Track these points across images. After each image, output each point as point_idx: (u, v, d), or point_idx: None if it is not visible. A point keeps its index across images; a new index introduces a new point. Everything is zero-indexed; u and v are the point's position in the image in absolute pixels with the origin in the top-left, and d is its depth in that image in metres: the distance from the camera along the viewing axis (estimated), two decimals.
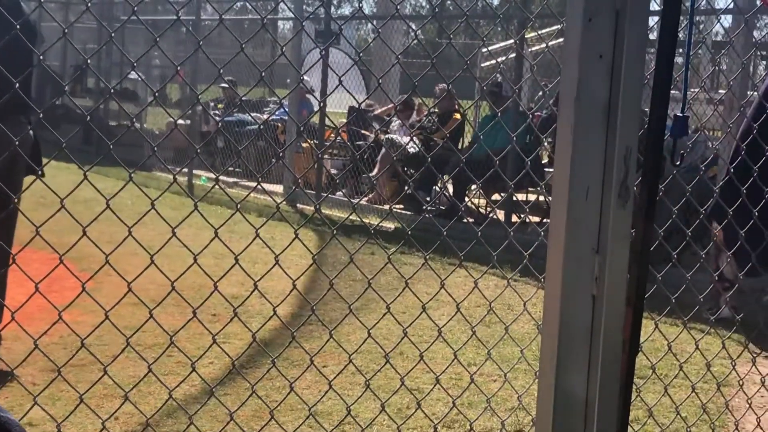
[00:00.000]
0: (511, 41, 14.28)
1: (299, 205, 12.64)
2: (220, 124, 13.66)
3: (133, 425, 4.52)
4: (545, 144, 9.86)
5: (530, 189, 11.95)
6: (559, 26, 12.25)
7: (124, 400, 3.20)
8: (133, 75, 18.34)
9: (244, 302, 3.66)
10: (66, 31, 2.72)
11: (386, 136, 12.49)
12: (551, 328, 2.11)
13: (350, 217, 10.23)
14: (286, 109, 12.98)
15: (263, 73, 3.19)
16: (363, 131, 13.33)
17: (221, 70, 2.83)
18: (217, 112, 15.74)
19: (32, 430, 4.44)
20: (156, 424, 4.48)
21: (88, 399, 3.05)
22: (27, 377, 4.93)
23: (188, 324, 3.67)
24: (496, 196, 12.26)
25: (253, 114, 15.01)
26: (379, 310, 6.86)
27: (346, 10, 45.35)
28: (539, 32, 14.78)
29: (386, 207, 11.72)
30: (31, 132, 5.33)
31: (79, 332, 3.24)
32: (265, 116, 14.64)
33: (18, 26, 2.65)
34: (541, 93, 13.07)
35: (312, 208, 12.26)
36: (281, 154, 12.10)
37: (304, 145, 13.58)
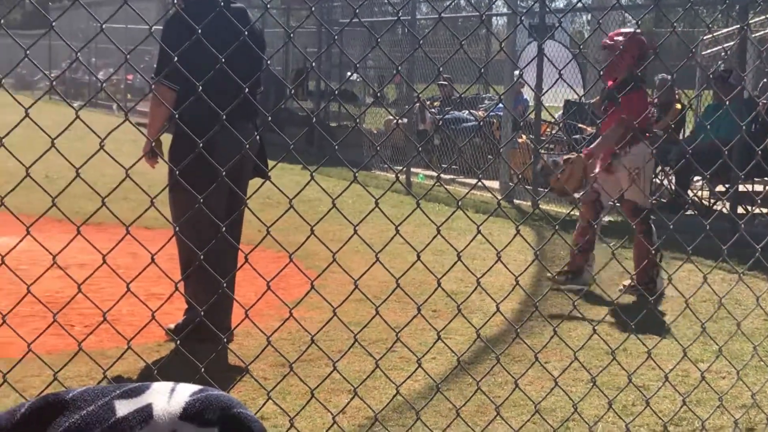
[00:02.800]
0: (734, 27, 13.76)
1: (516, 201, 12.58)
2: (440, 122, 13.75)
3: (360, 419, 4.61)
4: None
5: (756, 179, 11.48)
6: None
7: (353, 395, 3.27)
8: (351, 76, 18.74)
9: (467, 298, 3.67)
10: (292, 35, 2.80)
11: None
12: None
13: (567, 211, 10.11)
14: (503, 105, 12.96)
15: (482, 70, 3.19)
16: (580, 125, 13.14)
17: (440, 68, 2.85)
18: (433, 110, 15.87)
19: (264, 424, 4.60)
20: (382, 418, 4.56)
21: (317, 393, 3.13)
22: (258, 372, 5.11)
23: (410, 320, 3.72)
24: (719, 188, 11.84)
25: (469, 111, 15.05)
26: (599, 306, 6.76)
27: (560, 2, 44.84)
28: (767, 16, 14.17)
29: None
30: (257, 137, 5.52)
31: (307, 328, 3.33)
32: (481, 113, 14.65)
33: (246, 34, 2.74)
34: (766, 80, 12.52)
35: (529, 204, 12.18)
36: (501, 149, 12.07)
37: (520, 140, 13.52)
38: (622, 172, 7.29)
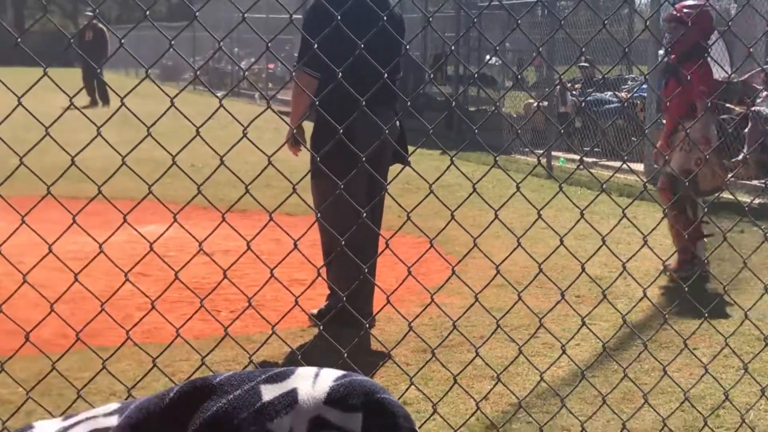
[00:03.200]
0: None
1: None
2: (582, 104, 13.54)
3: (504, 406, 4.58)
4: None
5: None
6: None
7: (496, 382, 3.24)
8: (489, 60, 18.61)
9: (612, 284, 3.60)
10: (431, 20, 2.79)
11: (753, 108, 11.88)
12: None
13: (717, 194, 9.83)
14: (648, 85, 12.68)
15: (626, 49, 3.11)
16: (728, 105, 12.76)
17: (582, 49, 2.79)
18: (574, 92, 15.64)
19: (407, 409, 4.61)
20: (526, 405, 4.51)
21: (459, 379, 3.11)
22: (400, 357, 5.13)
23: (553, 305, 3.67)
24: None
25: (611, 93, 14.78)
26: (750, 291, 6.55)
27: None
28: None
29: (755, 183, 11.18)
30: (397, 122, 5.54)
31: (448, 314, 3.32)
32: (624, 94, 14.36)
33: (386, 20, 2.74)
34: None
35: None
36: (646, 130, 11.82)
37: (665, 121, 13.20)
38: (684, 149, 6.90)
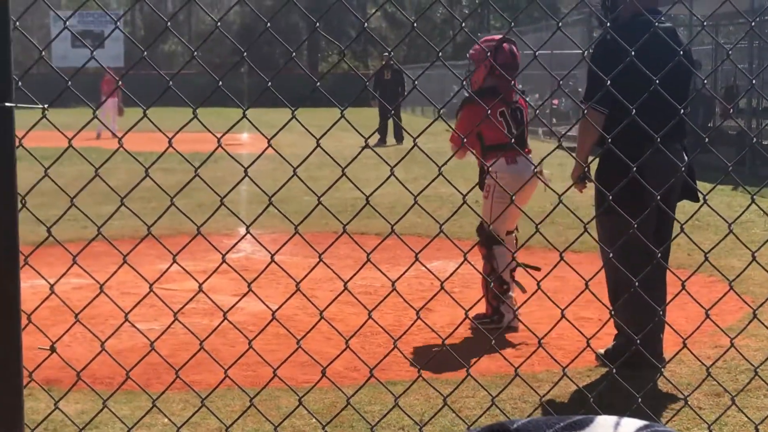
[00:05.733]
0: None
1: None
2: None
3: None
4: None
5: None
6: None
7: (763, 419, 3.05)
8: None
9: None
10: (729, 53, 2.68)
11: None
12: None
13: None
14: None
15: None
16: None
17: None
18: None
19: None
20: None
21: (760, 427, 2.95)
22: (693, 401, 4.92)
23: None
24: None
25: None
26: None
27: None
28: None
29: None
30: (685, 157, 5.38)
31: (745, 357, 3.15)
32: None
33: (680, 53, 2.67)
34: None
35: None
36: None
37: None
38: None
